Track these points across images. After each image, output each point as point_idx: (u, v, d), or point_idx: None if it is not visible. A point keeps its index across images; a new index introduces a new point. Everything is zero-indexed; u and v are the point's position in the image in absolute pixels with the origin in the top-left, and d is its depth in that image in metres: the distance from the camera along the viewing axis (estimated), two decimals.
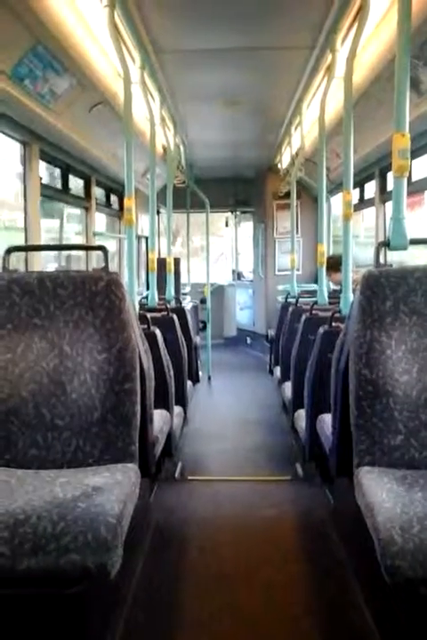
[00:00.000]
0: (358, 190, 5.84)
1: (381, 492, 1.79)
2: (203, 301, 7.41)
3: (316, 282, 4.48)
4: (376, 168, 5.14)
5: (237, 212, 9.77)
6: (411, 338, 2.10)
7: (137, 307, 3.48)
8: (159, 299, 4.45)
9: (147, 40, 3.60)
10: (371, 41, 3.41)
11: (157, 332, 3.17)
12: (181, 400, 3.79)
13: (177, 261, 6.27)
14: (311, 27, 3.50)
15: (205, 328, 7.37)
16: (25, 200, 3.86)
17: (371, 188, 5.55)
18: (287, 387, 4.17)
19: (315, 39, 3.68)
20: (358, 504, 1.90)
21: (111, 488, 1.81)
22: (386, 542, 1.55)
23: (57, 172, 4.70)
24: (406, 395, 2.06)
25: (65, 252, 5.72)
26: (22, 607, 1.81)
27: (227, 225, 10.11)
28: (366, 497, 1.80)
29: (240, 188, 9.16)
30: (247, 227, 9.63)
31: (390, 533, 1.56)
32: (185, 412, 3.93)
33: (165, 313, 4.01)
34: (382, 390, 2.06)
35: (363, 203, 5.87)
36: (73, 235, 5.80)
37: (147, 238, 6.62)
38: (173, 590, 2.35)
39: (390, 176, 4.93)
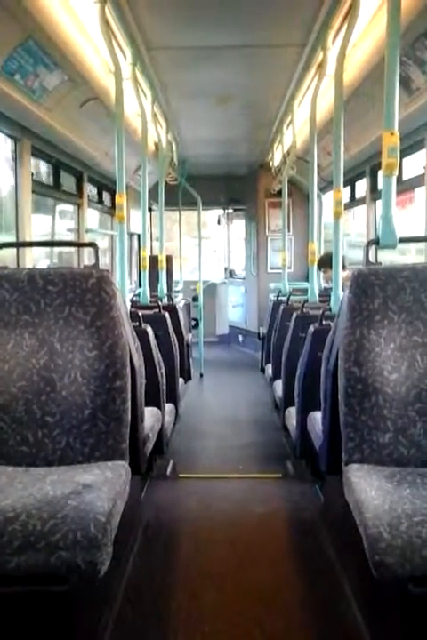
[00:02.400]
0: (349, 188, 5.86)
1: (369, 489, 1.80)
2: (195, 299, 7.41)
3: (307, 280, 4.49)
4: (367, 166, 5.16)
5: (230, 210, 9.76)
6: (400, 336, 2.11)
7: (129, 304, 3.48)
8: (151, 296, 4.44)
9: (138, 36, 3.59)
10: (362, 39, 3.42)
11: (149, 329, 3.16)
12: (173, 397, 3.79)
13: (169, 259, 6.27)
14: (303, 24, 3.51)
15: (197, 325, 7.37)
16: (16, 196, 3.84)
17: (362, 187, 5.57)
18: (278, 384, 4.18)
19: (306, 37, 3.68)
20: (348, 501, 1.91)
21: (101, 486, 1.81)
22: (374, 539, 1.56)
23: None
24: (394, 392, 2.07)
25: (57, 252, 5.70)
26: (12, 605, 1.81)
27: (219, 223, 10.10)
28: (355, 494, 1.81)
29: (232, 185, 9.15)
30: (239, 224, 9.62)
31: (378, 530, 1.57)
32: (177, 410, 3.93)
33: (157, 310, 4.01)
34: (371, 388, 2.07)
35: (354, 201, 5.89)
36: (65, 231, 5.77)
37: (139, 235, 6.61)
38: (163, 588, 2.35)
39: (380, 174, 4.95)
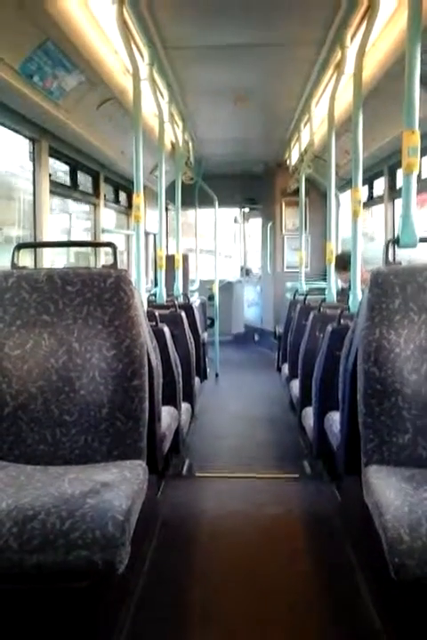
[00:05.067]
0: (366, 187, 5.82)
1: (389, 490, 1.79)
2: (211, 298, 7.41)
3: (324, 279, 4.47)
4: (385, 165, 5.12)
5: (246, 209, 9.75)
6: (420, 336, 2.09)
7: (145, 303, 3.49)
8: (167, 295, 4.45)
9: (156, 36, 3.60)
10: (381, 37, 3.39)
11: (166, 328, 3.17)
12: (189, 397, 3.80)
13: (185, 258, 6.27)
14: (321, 23, 3.49)
15: (212, 325, 7.37)
16: (34, 196, 3.87)
17: (380, 185, 5.53)
18: (295, 384, 4.17)
19: (324, 35, 3.66)
20: (366, 503, 1.90)
21: (119, 484, 1.82)
22: (394, 541, 1.55)
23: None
24: (414, 393, 2.05)
25: (74, 252, 5.74)
26: (31, 602, 1.82)
27: (236, 222, 10.10)
28: (375, 495, 1.80)
29: (249, 184, 9.13)
30: (256, 223, 9.61)
31: (398, 532, 1.56)
32: (193, 409, 3.93)
33: (174, 310, 4.01)
34: (391, 389, 2.05)
35: (372, 200, 5.85)
36: (81, 231, 5.82)
37: (155, 235, 6.63)
38: (180, 586, 2.35)
39: (399, 173, 4.91)
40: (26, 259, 3.69)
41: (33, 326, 2.19)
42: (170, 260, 5.24)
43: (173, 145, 5.92)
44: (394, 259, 2.34)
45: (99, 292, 2.18)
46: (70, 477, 1.87)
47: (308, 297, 4.71)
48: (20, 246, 2.40)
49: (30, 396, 2.14)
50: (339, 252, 6.41)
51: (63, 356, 2.16)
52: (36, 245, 3.86)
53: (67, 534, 1.57)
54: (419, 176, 2.48)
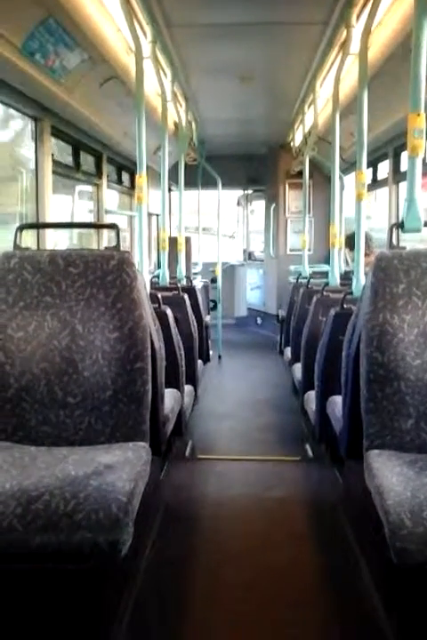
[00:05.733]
0: (370, 170, 5.77)
1: (391, 475, 1.79)
2: (213, 281, 7.39)
3: (328, 262, 4.44)
4: (390, 147, 5.07)
5: (249, 191, 9.69)
6: (424, 321, 2.08)
7: (148, 285, 3.47)
8: (170, 278, 4.44)
9: (159, 14, 3.55)
10: (387, 16, 3.34)
11: (168, 311, 3.16)
12: (192, 379, 3.80)
13: (188, 240, 6.25)
14: (326, 1, 3.43)
15: (215, 307, 7.36)
16: (37, 177, 3.84)
17: (384, 168, 5.48)
18: (298, 368, 4.17)
19: (329, 14, 3.60)
20: (368, 487, 1.90)
21: (122, 466, 1.82)
22: (396, 525, 1.55)
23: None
24: (417, 378, 2.05)
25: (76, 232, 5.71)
26: (35, 582, 1.84)
27: (239, 204, 10.05)
28: (376, 480, 1.80)
29: (252, 166, 9.06)
30: (259, 205, 9.55)
31: (399, 517, 1.56)
32: (195, 392, 3.94)
33: (176, 292, 4.00)
34: (394, 374, 2.04)
35: (376, 183, 5.80)
36: (86, 212, 5.78)
37: (158, 216, 6.59)
38: (183, 569, 2.37)
39: (404, 156, 4.86)
40: (28, 240, 3.68)
41: (36, 308, 2.18)
42: (173, 241, 5.22)
43: (176, 125, 5.86)
44: (398, 242, 2.33)
45: (102, 274, 2.17)
46: (74, 459, 1.88)
47: (311, 280, 4.70)
48: (22, 227, 2.38)
49: (34, 378, 2.14)
50: (343, 235, 6.38)
51: (66, 337, 2.16)
52: (38, 226, 3.84)
53: (70, 515, 1.58)
54: (424, 159, 2.46)
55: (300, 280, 5.40)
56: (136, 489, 1.75)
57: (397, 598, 1.99)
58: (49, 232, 3.89)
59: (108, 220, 5.36)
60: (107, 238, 5.37)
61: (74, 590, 1.84)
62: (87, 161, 5.05)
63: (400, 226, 2.40)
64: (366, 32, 3.15)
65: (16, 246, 2.31)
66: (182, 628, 2.02)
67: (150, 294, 2.92)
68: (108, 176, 5.49)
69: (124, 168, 6.19)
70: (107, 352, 2.13)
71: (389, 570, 1.80)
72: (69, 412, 2.13)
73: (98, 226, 5.38)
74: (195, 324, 4.11)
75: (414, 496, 1.63)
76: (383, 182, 5.48)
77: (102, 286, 2.17)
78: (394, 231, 2.33)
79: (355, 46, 3.45)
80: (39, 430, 2.13)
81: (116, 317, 2.15)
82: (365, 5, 3.30)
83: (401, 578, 1.86)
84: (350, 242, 4.68)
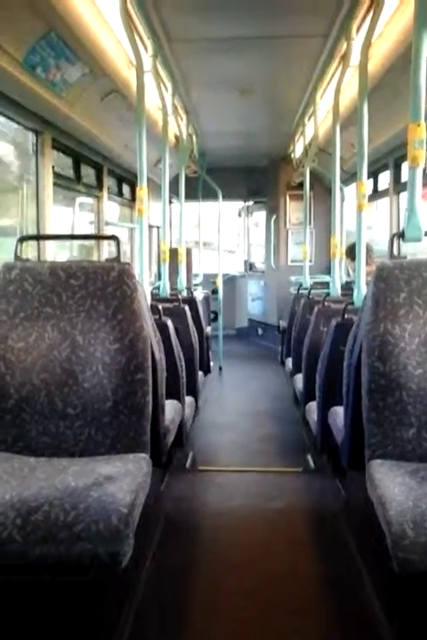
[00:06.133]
0: (371, 181, 5.79)
1: (393, 485, 1.78)
2: (214, 292, 7.39)
3: (329, 273, 4.45)
4: (391, 158, 5.09)
5: (250, 203, 9.72)
6: (425, 331, 2.08)
7: (149, 297, 3.48)
8: (171, 289, 4.44)
9: (159, 28, 3.58)
10: (387, 28, 3.36)
11: (169, 322, 3.16)
12: (193, 390, 3.79)
13: (189, 252, 6.26)
14: (326, 14, 3.46)
15: (216, 319, 7.36)
16: (37, 189, 3.86)
17: (385, 179, 5.50)
18: (299, 378, 4.16)
19: (329, 27, 3.63)
20: (370, 497, 1.89)
21: (123, 477, 1.81)
22: (398, 536, 1.54)
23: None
24: (419, 388, 2.04)
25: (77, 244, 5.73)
26: (34, 594, 1.82)
27: (240, 215, 10.08)
28: (378, 490, 1.79)
29: (253, 178, 9.09)
30: (260, 217, 9.57)
31: (402, 527, 1.55)
32: (196, 403, 3.93)
33: (177, 303, 4.00)
34: (395, 383, 2.04)
35: (377, 194, 5.82)
36: (87, 224, 5.80)
37: (159, 228, 6.61)
38: (184, 580, 2.35)
39: (404, 166, 4.88)
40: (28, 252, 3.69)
41: (36, 319, 2.19)
42: (173, 253, 5.23)
43: (176, 138, 5.89)
44: (399, 252, 2.33)
45: (102, 286, 2.18)
46: (74, 470, 1.87)
47: (312, 291, 4.70)
48: (22, 239, 2.39)
49: (34, 389, 2.14)
50: (344, 247, 6.39)
51: (66, 348, 2.16)
52: (39, 238, 3.85)
53: (70, 527, 1.57)
54: (425, 169, 2.47)
55: (301, 291, 5.40)
56: (137, 500, 1.75)
57: (398, 607, 1.97)
58: (49, 244, 3.90)
59: (108, 231, 5.38)
60: (107, 250, 5.39)
61: (74, 602, 1.82)
62: (88, 173, 5.08)
63: (401, 236, 2.41)
64: (367, 44, 3.17)
65: (17, 257, 2.31)
66: (183, 639, 2.01)
67: (151, 306, 2.92)
68: (108, 188, 5.51)
69: (125, 180, 6.22)
70: (107, 363, 2.13)
71: (390, 579, 1.79)
72: (69, 423, 2.13)
73: (98, 237, 5.40)
74: (196, 335, 4.11)
75: (416, 506, 1.62)
76: (384, 193, 5.50)
77: (103, 298, 2.17)
78: (395, 241, 2.33)
79: (355, 58, 3.47)
80: (39, 441, 2.12)
81: (116, 329, 2.14)
82: (365, 18, 3.32)
83: (403, 587, 1.85)
84: (351, 252, 4.70)
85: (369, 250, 3.98)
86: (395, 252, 2.30)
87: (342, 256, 5.18)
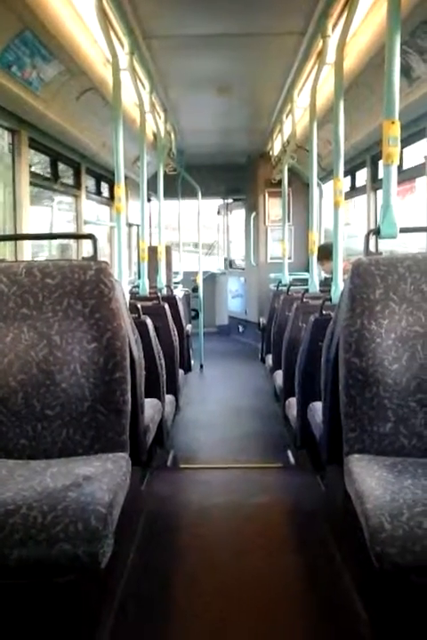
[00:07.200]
0: (349, 178, 5.83)
1: (370, 479, 1.80)
2: (195, 290, 7.39)
3: (308, 270, 4.48)
4: (368, 155, 5.14)
5: (229, 200, 9.73)
6: (401, 326, 2.10)
7: (128, 296, 3.47)
8: (151, 287, 4.43)
9: (135, 25, 3.56)
10: (362, 27, 3.39)
11: (148, 320, 3.16)
12: (173, 389, 3.79)
13: (168, 249, 6.26)
14: (302, 12, 3.47)
15: (197, 316, 7.36)
16: (14, 188, 3.82)
17: (363, 176, 5.55)
18: (279, 375, 4.18)
19: (306, 25, 3.65)
20: (348, 492, 1.91)
21: (101, 477, 1.81)
22: (375, 529, 1.56)
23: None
24: (395, 383, 2.06)
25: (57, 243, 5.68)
26: (13, 597, 1.81)
27: (219, 213, 10.08)
28: (356, 484, 1.81)
29: (232, 175, 9.10)
30: (239, 214, 9.59)
31: (379, 520, 1.57)
32: (177, 401, 3.93)
33: (157, 302, 4.00)
34: (372, 378, 2.06)
35: (355, 190, 5.87)
36: (65, 223, 5.76)
37: (138, 226, 6.58)
38: (165, 579, 2.36)
39: (381, 164, 4.93)
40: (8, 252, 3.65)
41: (13, 320, 2.16)
42: (153, 251, 5.22)
43: (154, 135, 5.88)
44: (377, 249, 2.35)
45: (79, 285, 2.16)
46: (52, 471, 1.86)
47: (291, 288, 4.72)
48: None
49: (11, 390, 2.12)
50: (322, 242, 6.43)
51: (44, 349, 2.14)
52: (15, 238, 3.82)
53: (49, 528, 1.56)
54: (400, 166, 2.49)
55: (280, 287, 5.42)
56: (116, 500, 1.74)
57: (377, 601, 1.99)
58: (27, 244, 3.86)
59: (87, 230, 5.35)
60: (86, 250, 5.36)
61: (54, 603, 1.82)
62: (66, 172, 5.04)
63: (377, 232, 2.43)
64: (342, 42, 3.19)
65: None
66: (165, 638, 2.01)
67: (130, 304, 2.91)
68: (86, 187, 5.48)
69: (104, 179, 6.19)
70: (85, 363, 2.12)
71: (370, 574, 1.81)
72: (47, 424, 2.11)
73: (74, 236, 5.36)
74: (176, 333, 4.10)
75: (393, 499, 1.64)
76: (362, 190, 5.54)
77: (80, 297, 2.15)
78: (371, 238, 2.35)
79: (331, 56, 3.49)
80: (17, 443, 2.11)
81: (94, 328, 2.13)
82: (340, 16, 3.35)
83: (382, 582, 1.87)
84: (322, 253, 4.73)
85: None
86: (372, 248, 2.32)
87: None
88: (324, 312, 3.00)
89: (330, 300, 3.16)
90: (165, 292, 4.99)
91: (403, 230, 2.46)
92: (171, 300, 4.50)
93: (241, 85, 5.01)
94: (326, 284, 4.33)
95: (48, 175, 4.64)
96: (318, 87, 4.10)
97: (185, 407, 4.94)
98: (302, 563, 2.47)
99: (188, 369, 5.07)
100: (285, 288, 4.95)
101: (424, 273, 2.13)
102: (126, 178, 3.34)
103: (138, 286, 4.42)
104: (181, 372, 4.35)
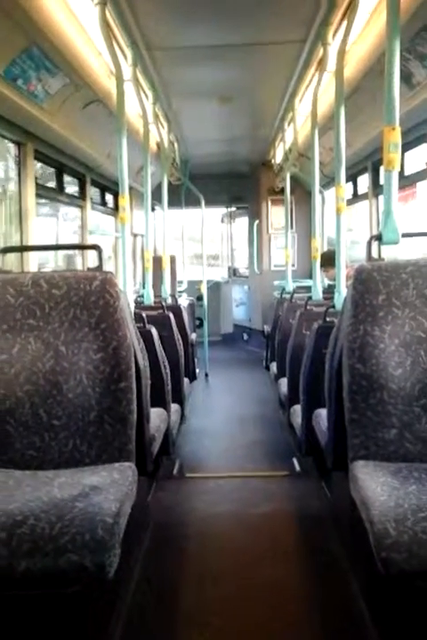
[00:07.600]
0: (351, 184, 5.85)
1: (375, 485, 1.80)
2: (199, 298, 7.41)
3: (311, 277, 4.49)
4: (369, 162, 5.15)
5: (232, 209, 9.75)
6: (404, 331, 2.11)
7: (133, 305, 3.48)
8: (155, 297, 4.45)
9: (139, 37, 3.60)
10: (362, 34, 3.42)
11: (153, 330, 3.17)
12: (178, 398, 3.80)
13: (173, 259, 6.28)
14: (303, 21, 3.51)
15: (201, 325, 7.37)
16: (20, 200, 3.85)
17: (364, 182, 5.57)
18: (283, 382, 4.18)
19: (306, 33, 3.68)
20: (354, 498, 1.91)
21: (108, 487, 1.81)
22: (380, 535, 1.56)
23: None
24: (399, 388, 2.07)
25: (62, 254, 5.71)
26: (21, 608, 1.82)
27: (223, 221, 10.12)
28: (361, 491, 1.81)
29: (235, 184, 9.13)
30: (243, 223, 9.62)
31: (384, 526, 1.57)
32: (182, 410, 3.93)
33: (161, 311, 4.01)
34: (376, 384, 2.07)
35: (356, 197, 5.88)
36: (71, 234, 5.80)
37: (143, 236, 6.61)
38: (172, 588, 2.36)
39: (382, 170, 4.94)
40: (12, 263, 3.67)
41: (19, 331, 2.18)
42: (157, 261, 5.24)
43: (158, 146, 5.91)
44: (379, 254, 2.36)
45: (84, 295, 2.18)
46: (59, 482, 1.87)
47: (295, 295, 4.73)
48: (4, 250, 2.39)
49: (18, 401, 2.13)
50: (325, 249, 6.45)
51: (50, 359, 2.16)
52: (21, 249, 3.84)
53: (56, 539, 1.57)
54: (401, 172, 2.50)
55: (284, 295, 5.43)
56: (122, 509, 1.75)
57: (385, 608, 1.99)
58: (33, 255, 3.89)
59: (92, 240, 5.37)
60: (92, 260, 5.38)
61: (61, 614, 1.82)
62: (71, 183, 5.08)
63: (378, 238, 2.44)
64: (342, 50, 3.22)
65: None
66: None
67: (135, 314, 2.92)
68: (91, 198, 5.52)
69: (108, 189, 6.23)
70: (91, 373, 2.13)
71: (376, 579, 1.81)
72: (54, 434, 2.12)
73: (80, 247, 5.39)
74: (180, 342, 4.11)
75: (398, 505, 1.64)
76: (364, 196, 5.56)
77: (85, 307, 2.17)
78: (373, 244, 2.36)
79: (331, 64, 3.52)
80: (24, 454, 2.12)
81: (99, 338, 2.15)
82: (340, 24, 3.37)
83: (388, 588, 1.87)
84: (325, 260, 4.74)
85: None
86: (374, 254, 2.33)
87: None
88: (327, 319, 3.00)
89: (333, 306, 3.16)
90: (169, 301, 5.00)
91: (405, 235, 2.47)
92: (175, 309, 4.51)
93: (243, 94, 5.05)
94: (329, 290, 4.34)
95: (53, 186, 4.68)
96: (318, 95, 4.13)
97: (190, 416, 4.94)
98: (309, 570, 2.47)
99: (193, 378, 5.07)
100: (288, 295, 4.95)
101: None
102: (131, 188, 3.38)
103: (143, 296, 4.44)
104: (186, 380, 4.36)
